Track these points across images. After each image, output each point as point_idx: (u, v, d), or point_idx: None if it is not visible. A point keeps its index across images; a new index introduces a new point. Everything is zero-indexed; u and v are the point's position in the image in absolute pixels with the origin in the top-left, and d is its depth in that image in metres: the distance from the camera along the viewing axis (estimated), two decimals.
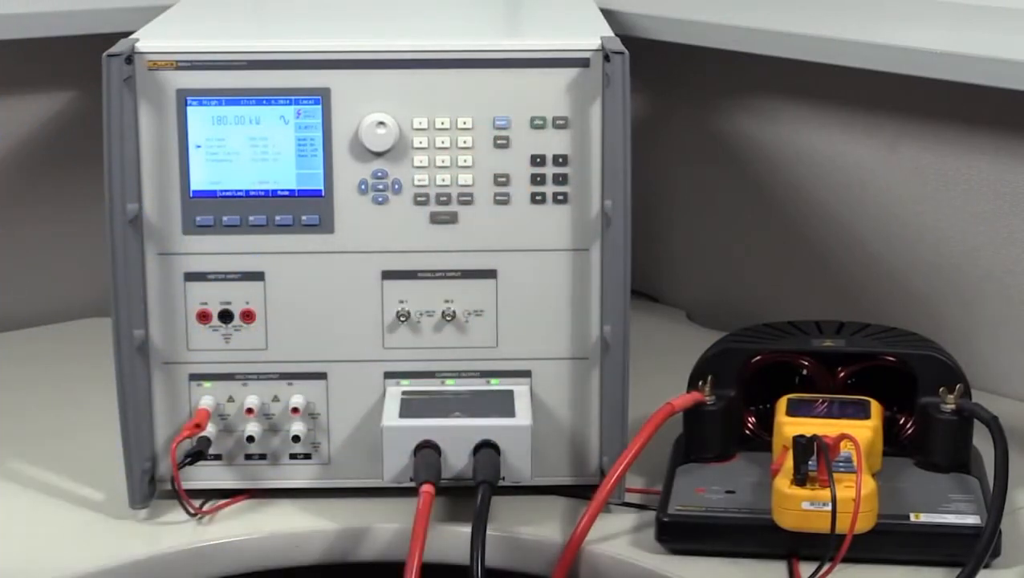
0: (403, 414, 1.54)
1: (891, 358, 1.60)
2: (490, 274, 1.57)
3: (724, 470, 1.56)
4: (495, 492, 1.50)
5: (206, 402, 1.58)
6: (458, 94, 1.54)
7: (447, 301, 1.57)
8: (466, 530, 1.45)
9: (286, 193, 1.55)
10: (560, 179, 1.55)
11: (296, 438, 1.58)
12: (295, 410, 1.58)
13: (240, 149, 1.55)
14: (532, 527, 1.55)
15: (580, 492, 1.58)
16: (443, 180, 1.55)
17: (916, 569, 1.45)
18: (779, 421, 1.52)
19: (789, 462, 1.43)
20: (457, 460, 1.52)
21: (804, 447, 1.42)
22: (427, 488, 1.48)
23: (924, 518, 1.46)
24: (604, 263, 1.55)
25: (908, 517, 1.46)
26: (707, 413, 1.58)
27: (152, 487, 1.59)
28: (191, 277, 1.56)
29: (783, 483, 1.43)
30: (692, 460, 1.58)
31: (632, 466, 1.52)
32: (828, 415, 1.53)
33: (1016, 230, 1.82)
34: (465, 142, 1.55)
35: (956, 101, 1.83)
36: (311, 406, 1.59)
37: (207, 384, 1.59)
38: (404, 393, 1.57)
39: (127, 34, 1.57)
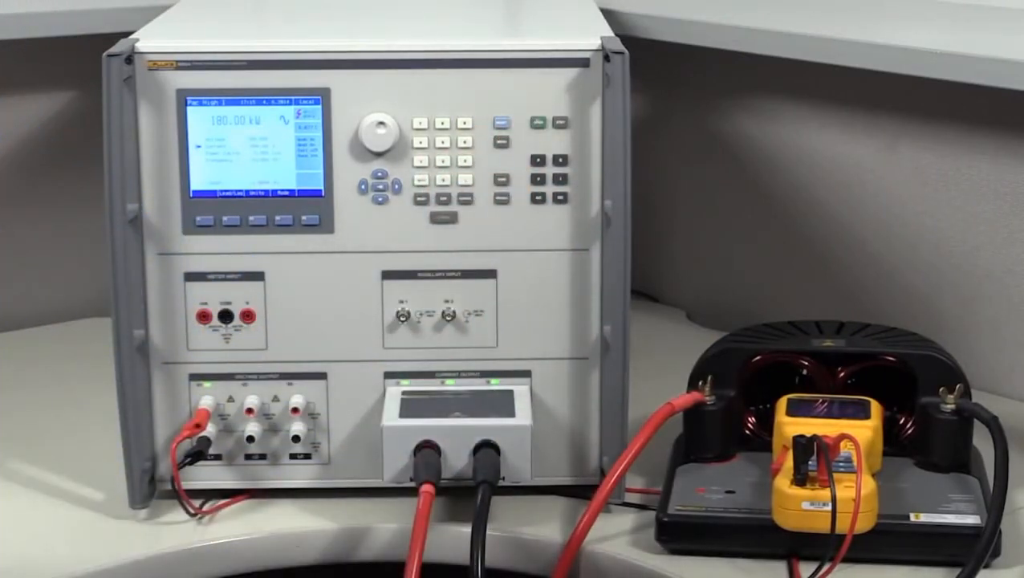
0: (403, 414, 1.54)
1: (891, 358, 1.60)
2: (490, 274, 1.57)
3: (724, 470, 1.56)
4: (495, 492, 1.50)
5: (206, 402, 1.58)
6: (458, 94, 1.54)
7: (447, 301, 1.57)
8: (466, 530, 1.45)
9: (286, 193, 1.55)
10: (560, 179, 1.55)
11: (296, 438, 1.58)
12: (295, 410, 1.58)
13: (240, 149, 1.55)
14: (532, 527, 1.55)
15: (580, 492, 1.58)
16: (443, 180, 1.55)
17: (916, 569, 1.45)
18: (779, 421, 1.52)
19: (789, 462, 1.43)
20: (457, 460, 1.52)
21: (804, 447, 1.41)
22: (427, 488, 1.48)
23: (924, 518, 1.46)
24: (604, 263, 1.55)
25: (908, 517, 1.46)
26: (707, 413, 1.58)
27: (152, 487, 1.59)
28: (191, 277, 1.56)
29: (783, 483, 1.43)
30: (692, 460, 1.58)
31: (632, 466, 1.52)
32: (828, 415, 1.53)
33: (1016, 230, 1.82)
34: (465, 142, 1.55)
35: (956, 101, 1.83)
36: (311, 406, 1.59)
37: (207, 384, 1.59)
38: (404, 393, 1.57)
39: (127, 34, 1.57)
